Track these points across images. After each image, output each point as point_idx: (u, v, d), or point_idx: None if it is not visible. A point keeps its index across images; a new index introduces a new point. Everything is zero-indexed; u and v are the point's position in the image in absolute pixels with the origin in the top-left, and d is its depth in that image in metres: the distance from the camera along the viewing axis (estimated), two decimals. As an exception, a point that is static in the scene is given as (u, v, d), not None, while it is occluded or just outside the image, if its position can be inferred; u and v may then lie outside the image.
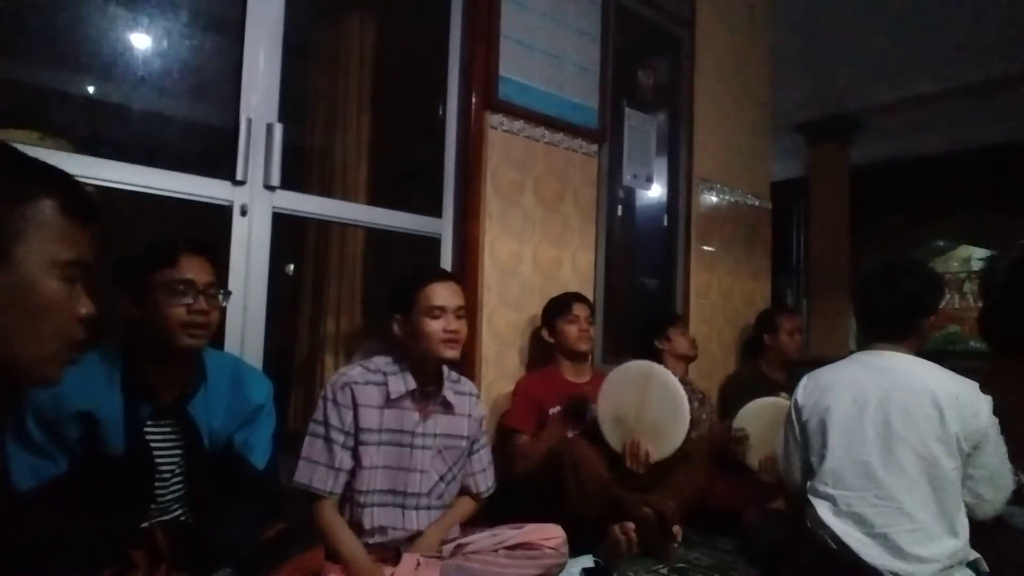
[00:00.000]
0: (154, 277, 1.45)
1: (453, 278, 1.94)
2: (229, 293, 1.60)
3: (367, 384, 1.80)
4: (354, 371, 1.83)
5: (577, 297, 2.64)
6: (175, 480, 1.54)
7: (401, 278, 1.92)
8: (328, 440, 1.75)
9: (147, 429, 1.49)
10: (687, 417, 2.30)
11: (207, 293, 1.49)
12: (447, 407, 1.90)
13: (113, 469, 1.43)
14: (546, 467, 2.19)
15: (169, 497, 1.54)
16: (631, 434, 2.34)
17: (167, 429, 1.53)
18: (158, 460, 1.50)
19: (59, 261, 0.75)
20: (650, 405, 2.34)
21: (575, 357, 2.60)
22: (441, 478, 1.88)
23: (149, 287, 1.45)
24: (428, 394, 1.88)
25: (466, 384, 2.02)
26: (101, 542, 1.36)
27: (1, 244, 0.71)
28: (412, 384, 1.83)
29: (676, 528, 2.17)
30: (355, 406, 1.78)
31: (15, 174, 0.75)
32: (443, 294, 1.84)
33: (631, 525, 2.06)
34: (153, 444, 1.50)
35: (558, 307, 2.60)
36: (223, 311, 1.59)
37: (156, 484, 1.50)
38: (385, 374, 1.83)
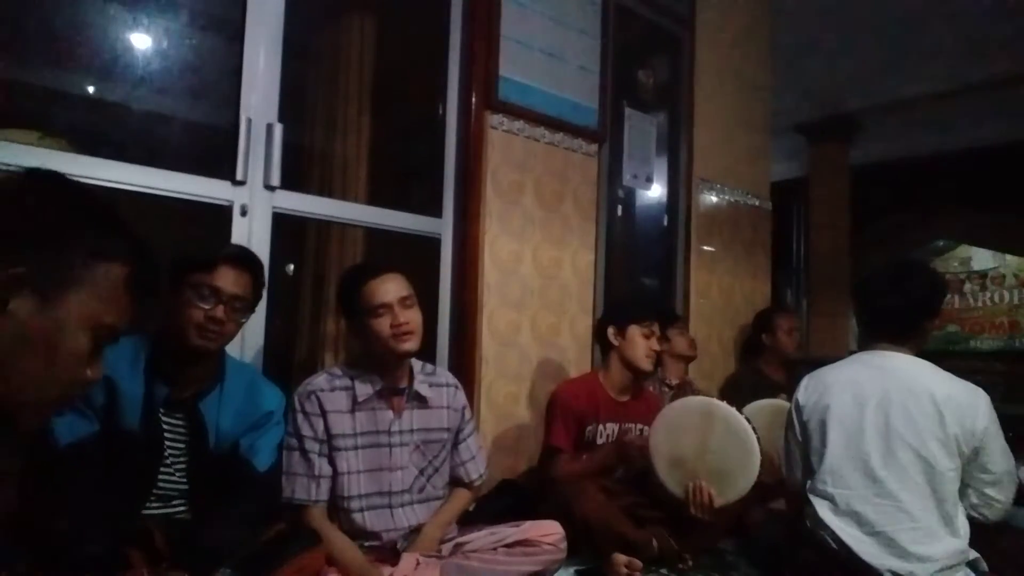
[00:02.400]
0: (190, 276, 1.53)
1: (390, 269, 1.84)
2: (252, 312, 1.65)
3: (333, 390, 1.79)
4: (319, 379, 1.81)
5: (664, 315, 2.47)
6: (178, 472, 1.58)
7: (340, 285, 1.89)
8: (303, 451, 1.74)
9: (160, 416, 1.54)
10: (758, 459, 2.09)
11: (231, 305, 1.55)
12: (421, 401, 1.88)
13: (127, 443, 1.48)
14: (556, 506, 2.08)
15: (171, 488, 1.57)
16: (693, 477, 2.14)
17: (178, 421, 1.58)
18: (166, 449, 1.55)
19: (100, 323, 0.77)
20: (714, 446, 2.13)
21: (632, 372, 2.42)
22: (421, 472, 1.87)
23: (183, 284, 1.52)
24: (399, 390, 1.86)
25: (442, 375, 1.99)
26: (102, 524, 1.39)
27: (60, 286, 0.74)
28: (379, 384, 1.82)
29: (686, 555, 2.18)
30: (324, 413, 1.76)
31: (107, 233, 0.79)
32: (382, 290, 1.78)
33: (639, 564, 2.03)
34: (163, 430, 1.55)
35: (639, 313, 2.44)
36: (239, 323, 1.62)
37: (161, 471, 1.55)
38: (351, 378, 1.81)
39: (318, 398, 1.77)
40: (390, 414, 1.84)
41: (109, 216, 0.80)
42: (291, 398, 1.79)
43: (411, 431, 1.86)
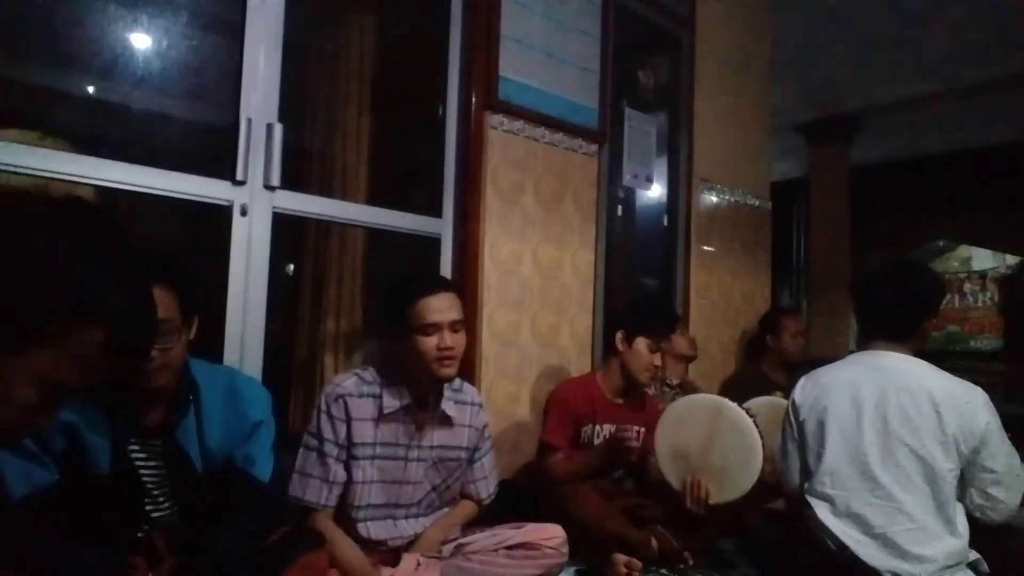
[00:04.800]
0: None
1: (448, 288, 1.81)
2: (189, 328, 1.46)
3: (361, 397, 1.74)
4: (348, 382, 1.76)
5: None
6: (167, 501, 1.50)
7: (392, 289, 1.83)
8: (322, 453, 1.71)
9: (132, 448, 1.44)
10: (759, 463, 2.09)
11: (159, 331, 1.33)
12: (445, 420, 1.84)
13: (100, 486, 1.39)
14: (554, 508, 2.08)
15: (166, 516, 1.50)
16: (693, 472, 2.16)
17: (156, 451, 1.48)
18: (146, 480, 1.46)
19: (56, 382, 0.73)
20: (718, 445, 2.15)
21: (630, 382, 2.42)
22: (433, 488, 1.86)
23: None
24: (426, 405, 1.82)
25: (468, 392, 1.95)
26: (95, 555, 1.31)
27: (26, 341, 0.70)
28: (407, 399, 1.77)
29: (686, 554, 2.18)
30: (348, 420, 1.72)
31: (97, 293, 0.73)
32: (436, 308, 1.72)
33: (638, 564, 2.03)
34: (139, 464, 1.45)
35: (652, 327, 2.41)
36: (189, 343, 1.46)
37: (147, 503, 1.46)
38: (380, 386, 1.76)
39: (345, 403, 1.72)
40: (412, 428, 1.80)
41: (113, 270, 0.74)
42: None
43: (431, 447, 1.82)
